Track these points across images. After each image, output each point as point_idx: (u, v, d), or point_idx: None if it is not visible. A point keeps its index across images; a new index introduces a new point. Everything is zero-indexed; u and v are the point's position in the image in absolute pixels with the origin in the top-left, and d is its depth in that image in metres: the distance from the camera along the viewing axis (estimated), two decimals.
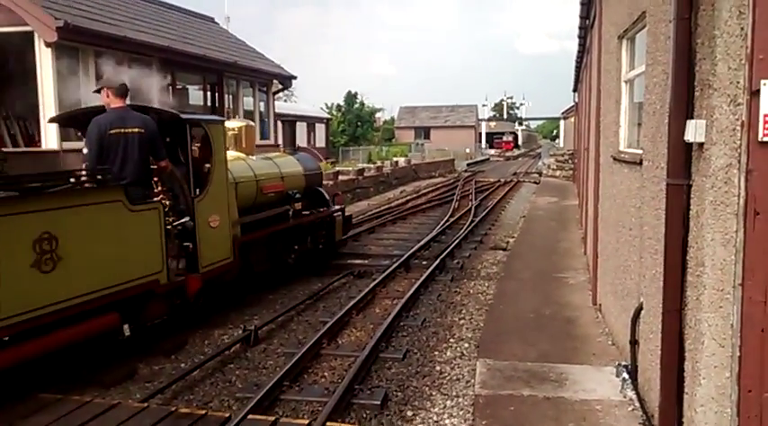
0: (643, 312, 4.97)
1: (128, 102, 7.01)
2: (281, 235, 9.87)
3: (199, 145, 7.76)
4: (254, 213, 9.17)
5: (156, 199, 6.84)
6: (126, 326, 6.33)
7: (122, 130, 6.68)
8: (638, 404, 4.97)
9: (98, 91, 7.07)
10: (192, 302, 7.53)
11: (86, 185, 6.06)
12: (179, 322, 7.51)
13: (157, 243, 6.68)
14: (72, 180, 6.00)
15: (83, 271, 5.71)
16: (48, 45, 10.30)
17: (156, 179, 7.03)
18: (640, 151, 5.27)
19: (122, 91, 6.89)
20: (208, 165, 7.73)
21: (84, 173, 6.27)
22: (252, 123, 10.76)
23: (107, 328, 6.09)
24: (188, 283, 7.25)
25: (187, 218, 7.26)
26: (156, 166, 7.04)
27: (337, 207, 12.05)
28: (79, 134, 8.18)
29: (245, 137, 9.74)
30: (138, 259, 6.43)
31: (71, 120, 8.42)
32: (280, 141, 16.43)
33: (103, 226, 5.99)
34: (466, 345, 7.15)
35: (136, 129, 6.75)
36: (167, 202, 7.00)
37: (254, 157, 9.98)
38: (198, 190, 7.51)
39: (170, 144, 7.48)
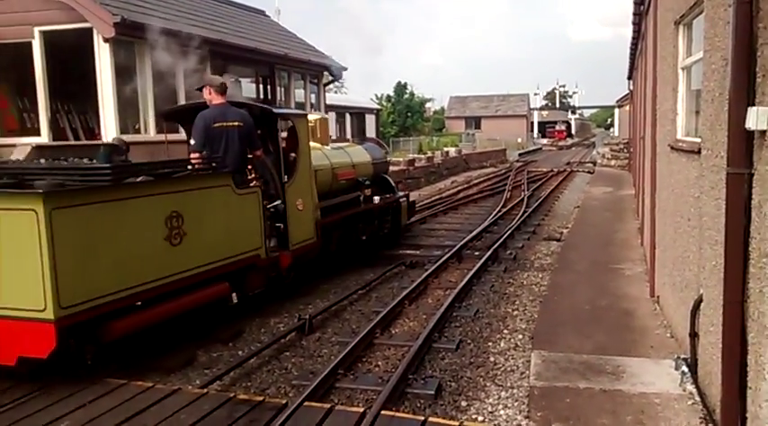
0: (703, 304, 4.87)
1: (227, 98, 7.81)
2: (353, 218, 10.68)
3: (286, 136, 8.69)
4: (329, 198, 9.95)
5: (252, 184, 7.64)
6: (234, 295, 7.15)
7: (224, 124, 7.49)
8: (698, 398, 4.87)
9: (200, 89, 7.85)
10: (284, 275, 8.42)
11: (203, 171, 6.98)
12: (274, 292, 8.42)
13: (258, 222, 7.58)
14: (189, 167, 6.90)
15: (202, 245, 6.61)
16: (106, 40, 10.58)
17: (249, 166, 7.75)
18: (699, 139, 5.15)
19: (222, 89, 7.70)
20: (293, 154, 8.53)
21: (199, 160, 7.11)
22: (326, 116, 11.80)
23: (220, 295, 6.96)
24: (281, 259, 8.12)
25: (279, 202, 8.11)
26: (251, 156, 7.80)
27: (402, 193, 12.97)
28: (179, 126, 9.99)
29: (320, 129, 10.43)
30: (243, 236, 7.33)
31: (173, 115, 9.72)
32: (331, 132, 16.54)
33: (216, 206, 6.87)
34: (520, 336, 7.12)
35: (236, 123, 7.55)
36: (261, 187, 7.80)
37: (328, 147, 10.73)
38: (287, 176, 8.29)
39: (261, 135, 8.15)
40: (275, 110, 8.65)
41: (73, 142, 11.82)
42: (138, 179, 6.09)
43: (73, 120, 12.66)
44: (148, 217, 5.95)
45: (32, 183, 5.50)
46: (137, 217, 5.85)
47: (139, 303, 5.92)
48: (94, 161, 6.85)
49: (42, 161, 7.02)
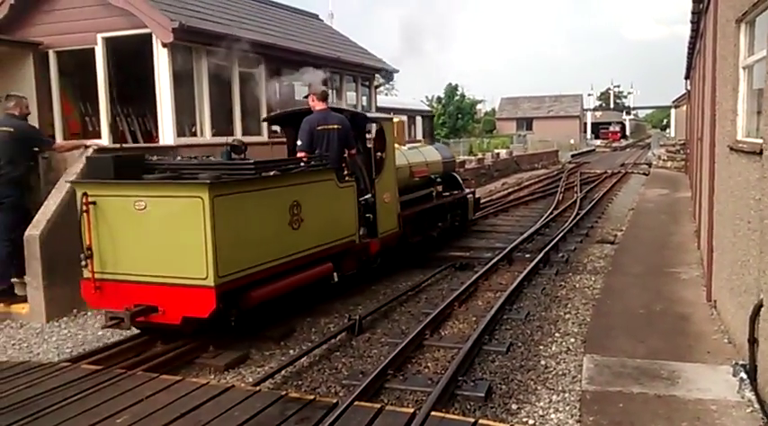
0: (763, 309, 4.74)
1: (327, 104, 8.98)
2: (427, 212, 11.74)
3: (374, 137, 9.70)
4: (407, 193, 10.99)
5: (348, 179, 8.63)
6: (335, 273, 8.19)
7: (326, 127, 8.62)
8: (757, 406, 4.74)
9: (307, 96, 9.19)
10: (372, 260, 9.51)
11: (316, 167, 8.07)
12: (364, 275, 9.53)
13: (354, 212, 8.71)
14: (302, 163, 7.97)
15: (314, 230, 7.73)
16: (164, 45, 10.83)
17: (343, 164, 8.68)
18: (760, 140, 5.01)
19: (324, 96, 8.94)
20: (379, 154, 9.56)
21: (308, 158, 8.22)
22: (403, 118, 12.55)
23: (325, 273, 8.02)
24: (370, 245, 9.19)
25: (369, 195, 9.20)
26: (346, 154, 8.78)
27: (469, 190, 14.07)
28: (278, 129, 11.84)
29: (398, 131, 10.86)
30: (343, 224, 8.48)
31: (278, 119, 10.98)
32: None
33: (323, 197, 8.00)
34: (572, 340, 7.03)
35: (335, 126, 8.65)
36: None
37: (405, 147, 11.84)
38: (375, 172, 9.41)
39: (354, 136, 9.15)
40: (367, 115, 10.14)
41: (132, 144, 12.12)
42: (271, 173, 7.18)
43: (132, 124, 13.01)
44: (278, 204, 7.19)
45: (193, 176, 6.64)
46: (270, 204, 7.09)
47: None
48: (220, 157, 7.74)
49: (194, 159, 8.11)
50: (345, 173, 8.66)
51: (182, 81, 11.45)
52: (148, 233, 6.42)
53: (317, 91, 8.92)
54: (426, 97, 61.57)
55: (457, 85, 64.01)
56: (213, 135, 11.94)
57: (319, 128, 8.59)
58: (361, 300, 8.99)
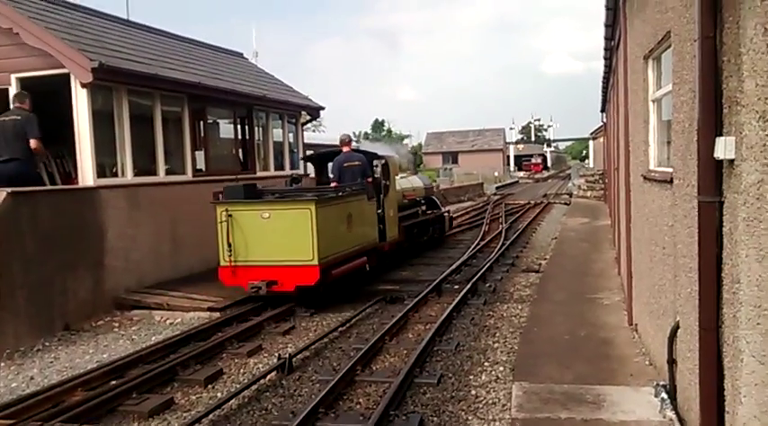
0: (680, 331, 4.92)
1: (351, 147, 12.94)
2: (415, 225, 15.71)
3: (381, 170, 13.20)
4: (400, 211, 14.53)
5: (371, 199, 12.32)
6: (367, 265, 11.63)
7: (350, 164, 12.29)
8: (678, 425, 4.90)
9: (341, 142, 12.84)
10: (386, 255, 13.35)
11: (357, 191, 11.75)
12: (381, 266, 13.12)
13: (375, 221, 12.54)
14: (341, 192, 11.37)
15: (357, 233, 11.42)
16: (83, 86, 10.56)
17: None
18: (671, 169, 5.26)
19: (347, 141, 12.74)
20: (385, 181, 13.21)
21: (343, 185, 11.83)
22: (396, 156, 16.22)
23: (363, 264, 11.50)
24: (384, 246, 12.94)
25: (379, 210, 12.75)
26: (365, 181, 12.24)
27: (445, 209, 18.81)
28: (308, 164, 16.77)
29: (391, 166, 14.11)
30: (370, 229, 12.20)
31: (312, 158, 15.41)
32: (310, 171, 16.80)
33: (360, 210, 11.67)
34: (501, 368, 7.11)
35: (357, 163, 12.32)
36: None
37: (397, 176, 14.89)
38: (382, 195, 12.94)
39: (369, 168, 12.75)
40: (379, 154, 13.70)
41: (50, 187, 11.71)
42: (340, 193, 11.20)
43: (49, 165, 12.57)
44: (342, 214, 10.90)
45: (299, 196, 10.56)
46: (339, 214, 10.78)
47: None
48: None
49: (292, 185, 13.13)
50: (369, 196, 12.21)
51: (102, 121, 11.18)
52: (271, 233, 9.96)
53: (344, 138, 12.72)
54: (354, 132, 62.10)
55: (383, 121, 65.01)
56: (135, 175, 11.68)
57: (345, 165, 12.26)
58: (292, 339, 8.89)
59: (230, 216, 10.09)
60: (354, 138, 54.29)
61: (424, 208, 16.78)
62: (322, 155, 14.46)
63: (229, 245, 10.05)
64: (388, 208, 13.21)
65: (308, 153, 16.14)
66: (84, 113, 10.67)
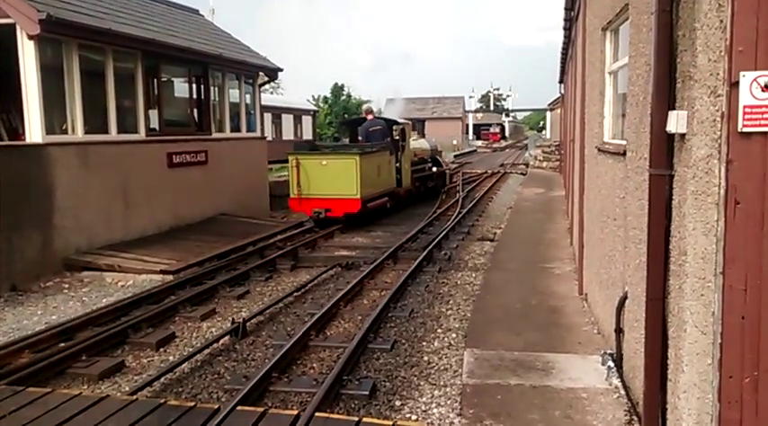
0: (628, 301, 5.04)
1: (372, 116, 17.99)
2: (423, 177, 20.44)
3: (399, 133, 17.97)
4: (413, 167, 19.12)
5: (391, 154, 16.81)
6: (388, 204, 16.03)
7: (374, 128, 16.81)
8: (623, 392, 5.04)
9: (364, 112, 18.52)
10: (401, 198, 17.64)
11: (382, 148, 16.32)
12: (398, 206, 17.48)
13: (394, 172, 17.02)
14: (374, 148, 15.80)
15: (383, 179, 15.98)
16: (30, 38, 10.16)
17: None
18: (624, 142, 5.32)
19: (371, 110, 17.93)
20: (402, 142, 17.86)
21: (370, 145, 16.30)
22: (410, 123, 19.92)
23: (385, 203, 15.83)
24: (400, 192, 17.44)
25: (397, 164, 17.15)
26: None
27: (445, 167, 23.72)
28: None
29: (407, 130, 18.73)
30: (391, 178, 16.75)
31: (345, 124, 22.14)
32: (267, 133, 16.86)
33: (384, 162, 16.13)
34: (453, 335, 7.21)
35: (379, 127, 16.91)
36: None
37: (411, 139, 19.22)
38: (400, 152, 17.51)
39: (390, 132, 17.68)
40: (399, 121, 18.76)
41: None
42: (374, 149, 15.59)
43: None
44: (375, 164, 15.34)
45: (347, 150, 15.53)
46: (373, 164, 15.29)
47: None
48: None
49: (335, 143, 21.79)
50: (390, 152, 16.69)
51: (51, 76, 10.82)
52: (327, 175, 14.43)
53: (367, 108, 18.20)
54: (312, 96, 61.44)
55: (343, 85, 64.32)
56: (86, 132, 11.37)
57: (371, 129, 16.91)
58: (246, 303, 8.86)
59: (299, 163, 14.58)
60: (313, 102, 53.91)
61: (429, 165, 21.29)
62: (353, 121, 19.75)
63: (298, 183, 14.52)
64: (404, 163, 17.84)
65: (345, 118, 23.31)
66: (32, 67, 10.31)
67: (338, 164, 14.43)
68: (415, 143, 20.14)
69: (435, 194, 21.23)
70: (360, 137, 16.97)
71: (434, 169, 21.56)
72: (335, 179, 14.25)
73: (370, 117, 17.32)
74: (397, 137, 17.67)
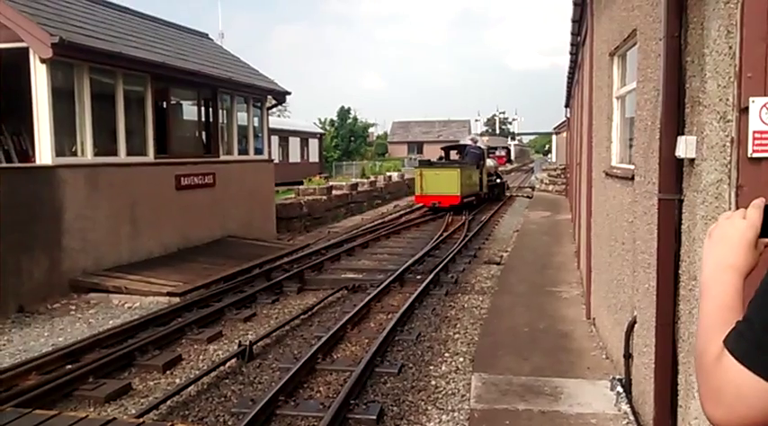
0: (637, 325, 5.01)
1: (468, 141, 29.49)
2: (492, 186, 28.85)
3: (482, 155, 27.45)
4: (487, 178, 27.79)
5: (478, 168, 26.44)
6: (474, 201, 24.99)
7: (473, 151, 27.23)
8: (632, 418, 5.00)
9: (471, 140, 31.62)
10: (480, 199, 26.27)
11: (469, 164, 26.07)
12: (479, 204, 25.70)
13: (478, 181, 26.28)
14: (467, 163, 25.79)
15: (471, 185, 25.15)
16: (43, 61, 10.29)
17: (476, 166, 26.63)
18: (632, 166, 5.33)
19: (475, 140, 30.92)
20: (482, 162, 26.87)
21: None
22: (486, 147, 29.77)
23: (473, 201, 24.85)
24: (480, 194, 26.39)
25: (480, 176, 26.35)
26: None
27: (505, 179, 34.13)
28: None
29: (486, 154, 28.32)
30: (476, 185, 25.99)
31: (448, 148, 29.19)
32: (274, 155, 16.70)
33: (473, 174, 25.80)
34: (461, 359, 7.17)
35: (476, 151, 27.10)
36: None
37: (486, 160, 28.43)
38: (481, 168, 27.50)
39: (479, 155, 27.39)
40: (482, 147, 28.65)
41: (5, 165, 11.43)
42: (468, 165, 25.48)
43: (5, 142, 12.27)
44: (468, 175, 24.53)
45: (451, 164, 25.18)
46: (467, 175, 24.45)
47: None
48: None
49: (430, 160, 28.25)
50: (476, 167, 25.81)
51: (62, 98, 10.93)
52: (440, 180, 22.93)
53: (474, 138, 31.78)
54: (319, 119, 61.80)
55: (349, 109, 64.71)
56: (95, 154, 11.45)
57: (471, 150, 26.83)
58: (253, 326, 8.84)
59: (422, 173, 23.20)
60: (319, 125, 54.29)
61: (494, 177, 29.82)
62: (458, 146, 29.21)
63: (421, 186, 22.97)
64: (483, 175, 26.62)
65: (446, 145, 31.04)
66: (44, 89, 10.42)
67: (446, 174, 22.85)
68: (488, 162, 28.75)
69: (498, 198, 29.44)
70: (465, 159, 26.12)
71: (498, 180, 30.37)
72: (444, 183, 22.64)
73: (470, 142, 28.91)
74: (481, 159, 26.76)
